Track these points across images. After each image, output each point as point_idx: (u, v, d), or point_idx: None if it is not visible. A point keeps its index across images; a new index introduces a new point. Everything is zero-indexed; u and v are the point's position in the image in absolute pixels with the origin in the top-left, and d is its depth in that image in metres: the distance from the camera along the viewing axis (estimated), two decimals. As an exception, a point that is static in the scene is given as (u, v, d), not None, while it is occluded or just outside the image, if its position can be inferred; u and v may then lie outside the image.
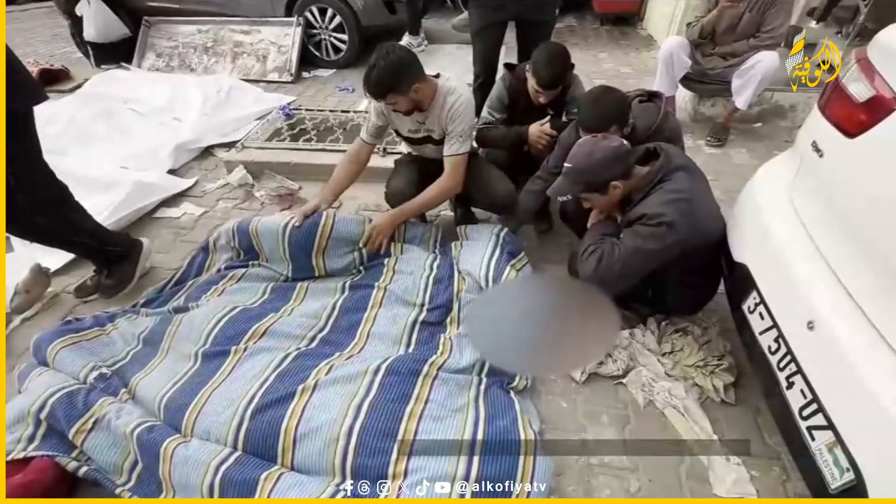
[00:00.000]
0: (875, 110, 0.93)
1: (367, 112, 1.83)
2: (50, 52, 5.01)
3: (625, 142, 1.36)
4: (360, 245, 1.75)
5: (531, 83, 1.79)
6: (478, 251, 1.75)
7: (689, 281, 1.45)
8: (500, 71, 2.12)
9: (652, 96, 1.67)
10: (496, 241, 1.78)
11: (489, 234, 1.82)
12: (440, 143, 1.78)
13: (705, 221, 1.32)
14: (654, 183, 1.32)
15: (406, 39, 4.20)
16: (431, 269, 1.71)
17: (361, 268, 1.78)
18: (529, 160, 1.93)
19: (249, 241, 1.78)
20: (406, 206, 1.76)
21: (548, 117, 1.89)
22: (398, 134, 1.83)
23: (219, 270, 1.81)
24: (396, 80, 1.52)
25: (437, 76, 1.69)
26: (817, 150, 1.11)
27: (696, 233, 1.28)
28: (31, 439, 1.21)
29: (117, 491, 1.16)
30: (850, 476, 0.85)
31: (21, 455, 1.17)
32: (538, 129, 1.86)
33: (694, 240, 1.28)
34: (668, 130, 1.60)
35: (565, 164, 1.38)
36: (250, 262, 1.81)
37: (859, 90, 0.97)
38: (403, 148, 2.03)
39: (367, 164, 1.90)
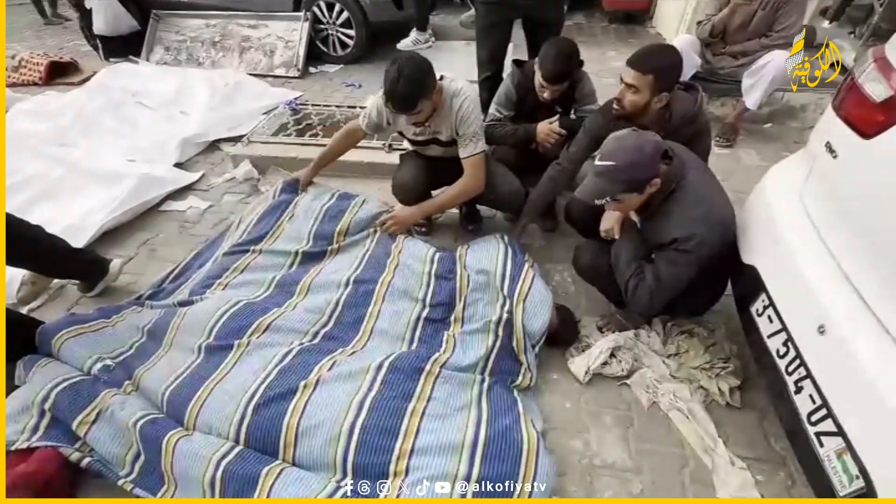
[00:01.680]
0: (892, 110, 0.91)
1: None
2: (59, 44, 5.03)
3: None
4: (377, 224, 1.86)
5: (537, 77, 1.77)
6: (489, 250, 1.75)
7: (700, 281, 1.41)
8: (508, 68, 2.10)
9: (688, 88, 1.61)
10: (504, 240, 1.80)
11: (492, 237, 1.84)
12: (447, 144, 1.77)
13: (727, 222, 1.29)
14: (672, 185, 1.27)
15: (413, 35, 4.18)
16: (432, 262, 1.72)
17: (372, 244, 1.84)
18: (537, 158, 1.92)
19: (286, 202, 1.96)
20: (427, 203, 1.76)
21: (556, 115, 1.87)
22: (402, 135, 1.81)
23: (225, 254, 1.82)
24: (423, 90, 1.51)
25: (441, 78, 1.67)
26: (831, 150, 1.09)
27: (723, 236, 1.26)
28: (35, 429, 1.22)
29: (119, 482, 1.16)
30: (859, 484, 0.83)
31: (25, 445, 1.18)
32: (547, 128, 1.85)
33: (724, 242, 1.27)
34: (702, 123, 1.57)
35: (601, 163, 1.24)
36: (251, 249, 1.81)
37: (877, 90, 0.95)
38: (409, 144, 2.01)
39: (372, 161, 1.92)
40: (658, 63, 1.43)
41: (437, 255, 1.80)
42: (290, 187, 2.04)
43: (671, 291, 1.31)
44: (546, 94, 1.78)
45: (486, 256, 1.72)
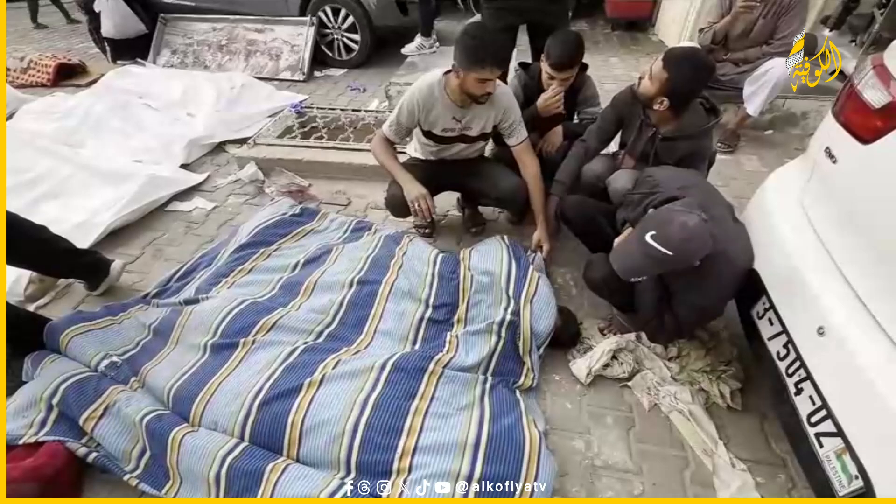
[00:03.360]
0: (891, 116, 0.92)
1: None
2: (68, 46, 5.09)
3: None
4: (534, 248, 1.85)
5: (545, 69, 1.78)
6: (493, 252, 1.77)
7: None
8: (512, 72, 2.13)
9: (711, 110, 1.60)
10: (505, 241, 1.82)
11: (494, 239, 1.86)
12: (474, 140, 1.80)
13: (744, 273, 1.25)
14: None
15: (418, 41, 4.21)
16: (435, 264, 1.74)
17: (377, 246, 1.87)
18: (541, 161, 1.93)
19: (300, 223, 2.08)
20: (539, 210, 1.79)
21: (560, 119, 1.90)
22: (427, 135, 1.80)
23: (232, 253, 1.86)
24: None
25: None
26: (830, 156, 1.10)
27: (739, 284, 1.25)
28: (42, 424, 1.23)
29: (125, 478, 1.17)
30: (858, 483, 0.84)
31: (33, 439, 1.20)
32: (550, 96, 1.84)
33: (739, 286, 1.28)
34: (703, 146, 1.57)
35: (656, 246, 1.09)
36: (260, 251, 1.86)
37: (875, 96, 0.97)
38: (411, 150, 2.03)
39: (376, 165, 1.96)
40: (677, 70, 1.44)
41: (440, 256, 1.83)
42: (308, 211, 2.17)
43: (693, 329, 1.46)
44: (555, 85, 1.79)
45: (490, 258, 1.74)
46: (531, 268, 1.70)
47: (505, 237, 1.85)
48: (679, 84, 1.45)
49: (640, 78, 1.55)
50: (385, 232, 2.02)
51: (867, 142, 0.98)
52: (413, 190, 1.71)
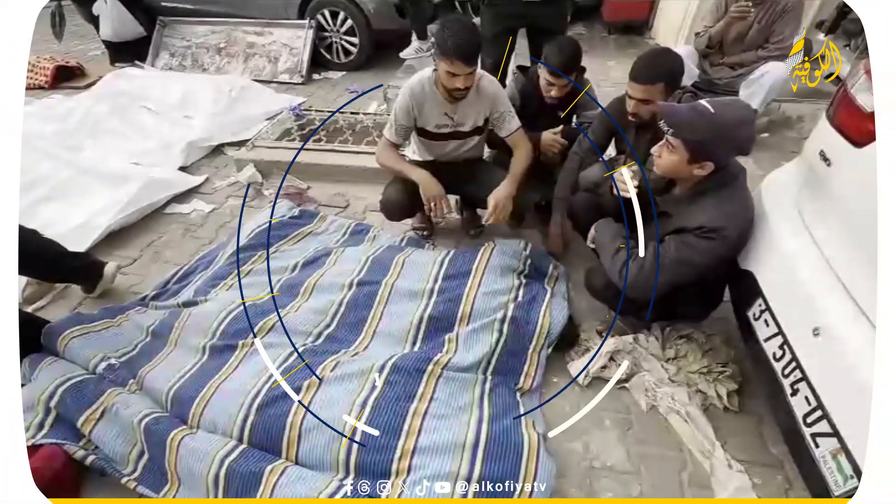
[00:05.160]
0: (883, 120, 0.93)
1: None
2: (66, 49, 5.08)
3: None
4: (486, 221, 1.72)
5: (543, 75, 1.78)
6: (515, 249, 1.75)
7: (703, 281, 1.37)
8: (511, 75, 2.14)
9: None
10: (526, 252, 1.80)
11: (517, 240, 1.84)
12: (468, 135, 1.79)
13: (749, 233, 1.27)
14: (724, 179, 1.23)
15: (415, 44, 4.23)
16: (442, 264, 1.71)
17: (379, 249, 1.87)
18: (539, 166, 1.94)
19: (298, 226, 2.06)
20: (514, 175, 1.72)
21: (560, 126, 1.90)
22: (421, 133, 1.80)
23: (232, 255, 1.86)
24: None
25: None
26: (825, 159, 1.11)
27: (742, 243, 1.25)
28: (40, 427, 1.23)
29: (123, 480, 1.17)
30: (854, 483, 0.85)
31: (30, 443, 1.19)
32: (551, 137, 1.87)
33: (738, 248, 1.26)
34: None
35: (706, 103, 1.16)
36: (258, 253, 1.87)
37: (868, 100, 0.98)
38: (409, 153, 2.04)
39: (376, 167, 1.99)
40: (660, 70, 1.44)
41: (451, 253, 1.77)
42: (307, 213, 2.19)
43: (669, 274, 1.25)
44: (553, 92, 1.78)
45: (511, 254, 1.71)
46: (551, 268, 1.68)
47: (529, 244, 1.82)
48: (675, 75, 1.42)
49: (634, 114, 1.49)
50: (384, 239, 2.02)
51: (860, 145, 0.99)
52: (432, 188, 1.69)
